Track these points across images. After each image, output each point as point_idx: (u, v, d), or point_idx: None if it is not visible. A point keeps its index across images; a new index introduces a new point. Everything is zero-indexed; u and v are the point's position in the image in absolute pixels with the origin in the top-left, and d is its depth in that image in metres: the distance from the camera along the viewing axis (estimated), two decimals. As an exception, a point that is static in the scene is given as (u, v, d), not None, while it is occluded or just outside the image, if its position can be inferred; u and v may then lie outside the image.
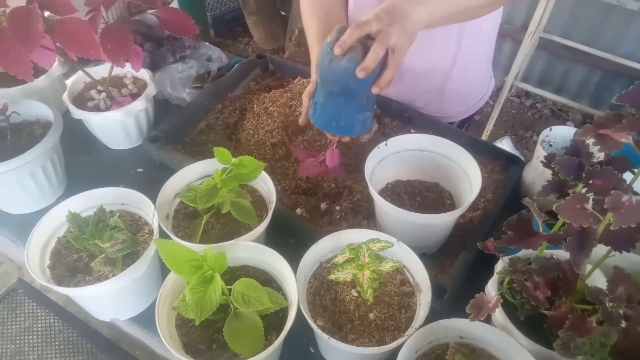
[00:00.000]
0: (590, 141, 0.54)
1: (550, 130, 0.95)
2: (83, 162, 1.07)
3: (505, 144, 2.26)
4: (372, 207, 0.94)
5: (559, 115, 2.78)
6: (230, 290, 0.65)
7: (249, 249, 0.74)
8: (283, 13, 2.97)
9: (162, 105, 1.17)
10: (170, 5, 2.21)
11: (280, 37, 2.90)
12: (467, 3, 0.84)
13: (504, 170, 1.01)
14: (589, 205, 0.54)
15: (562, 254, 0.65)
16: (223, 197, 0.78)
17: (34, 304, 0.88)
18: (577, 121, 2.71)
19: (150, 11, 1.09)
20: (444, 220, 0.83)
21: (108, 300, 0.76)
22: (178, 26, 0.95)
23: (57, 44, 0.88)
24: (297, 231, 0.89)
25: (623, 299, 0.56)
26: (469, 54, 1.06)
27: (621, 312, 0.55)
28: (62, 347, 0.84)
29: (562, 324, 0.59)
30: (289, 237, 0.90)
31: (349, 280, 0.68)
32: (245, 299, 0.64)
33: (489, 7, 0.88)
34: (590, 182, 0.55)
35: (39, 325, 0.85)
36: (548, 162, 0.61)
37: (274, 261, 0.73)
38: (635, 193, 0.54)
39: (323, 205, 0.94)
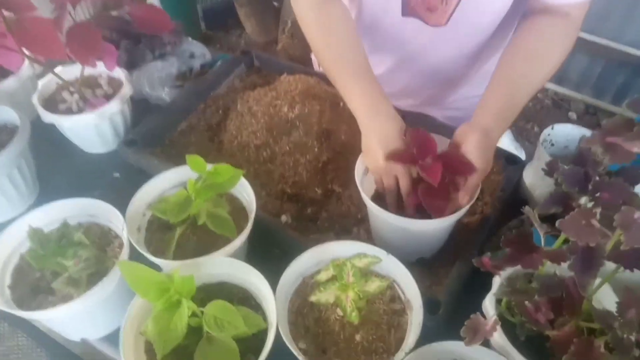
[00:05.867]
0: (597, 149, 0.48)
1: (552, 128, 0.89)
2: (56, 167, 1.01)
3: (505, 137, 2.19)
4: (361, 213, 0.88)
5: (560, 106, 2.71)
6: (203, 312, 0.59)
7: (226, 264, 0.69)
8: (275, 4, 2.89)
9: (141, 106, 1.11)
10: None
11: (273, 29, 2.82)
12: (540, 84, 0.79)
13: (503, 171, 0.94)
14: (596, 221, 0.48)
15: (565, 269, 0.60)
16: (198, 207, 0.72)
17: (1, 320, 0.83)
18: (579, 111, 2.64)
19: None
20: (439, 226, 0.77)
21: (75, 321, 0.71)
22: (152, 23, 0.89)
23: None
24: (281, 240, 0.83)
25: (635, 324, 0.50)
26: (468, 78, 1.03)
27: (633, 338, 0.50)
28: (32, 367, 0.79)
29: (566, 347, 0.54)
30: (273, 247, 0.85)
31: (331, 302, 0.62)
32: (218, 323, 0.58)
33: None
34: (598, 195, 0.49)
35: (6, 344, 0.80)
36: (550, 170, 0.55)
37: (252, 277, 0.67)
38: (648, 207, 0.48)
39: (309, 212, 0.89)
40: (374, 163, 0.75)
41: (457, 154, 0.72)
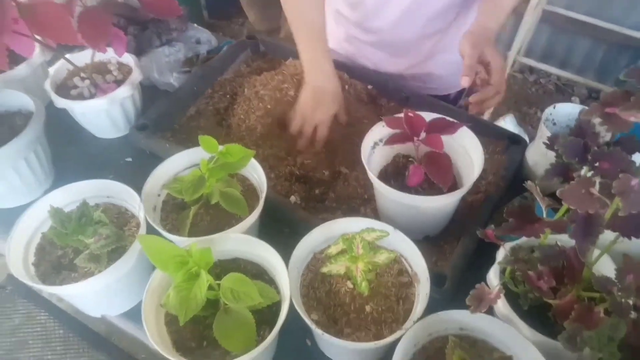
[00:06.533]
0: (596, 121, 0.50)
1: (554, 107, 0.91)
2: (70, 153, 1.03)
3: (509, 122, 2.20)
4: (368, 193, 0.91)
5: (563, 91, 2.71)
6: (219, 285, 0.62)
7: (239, 241, 0.71)
8: (278, -9, 2.88)
9: (150, 92, 1.13)
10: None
11: (276, 17, 2.82)
12: None
13: (506, 151, 0.97)
14: (596, 190, 0.50)
15: (566, 240, 0.62)
16: (211, 187, 0.75)
17: (24, 300, 0.86)
18: (582, 96, 2.64)
19: (132, -8, 1.04)
20: (445, 202, 0.79)
21: (96, 296, 0.73)
22: (160, 7, 0.90)
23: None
24: (291, 220, 0.86)
25: (632, 289, 0.53)
26: (461, 23, 1.05)
27: (630, 302, 0.52)
28: (53, 343, 0.82)
29: (568, 314, 0.56)
30: (283, 226, 0.87)
31: (342, 273, 0.65)
32: (234, 295, 0.61)
33: None
34: (597, 164, 0.51)
35: (30, 322, 0.83)
36: (551, 143, 0.58)
37: (265, 253, 0.70)
38: (645, 175, 0.50)
39: (317, 192, 0.91)
40: (303, 108, 0.93)
41: (441, 119, 0.79)
